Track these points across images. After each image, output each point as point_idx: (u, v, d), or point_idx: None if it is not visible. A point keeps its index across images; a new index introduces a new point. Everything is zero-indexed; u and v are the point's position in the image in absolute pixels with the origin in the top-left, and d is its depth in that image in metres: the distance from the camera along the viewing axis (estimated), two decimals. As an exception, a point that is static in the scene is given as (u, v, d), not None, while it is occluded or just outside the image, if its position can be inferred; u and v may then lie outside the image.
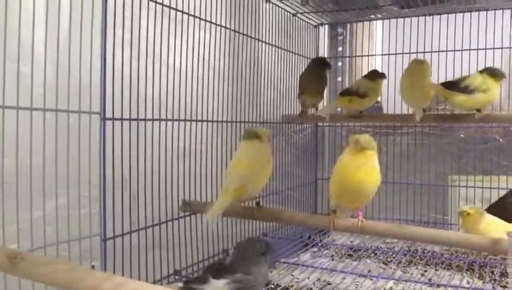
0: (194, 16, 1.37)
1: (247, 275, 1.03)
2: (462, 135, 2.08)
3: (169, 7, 1.28)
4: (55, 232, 1.03)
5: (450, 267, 1.62)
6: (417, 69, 1.61)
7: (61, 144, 1.03)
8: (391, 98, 1.87)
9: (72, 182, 1.05)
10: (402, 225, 1.46)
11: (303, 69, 1.90)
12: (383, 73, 1.74)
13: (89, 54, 1.06)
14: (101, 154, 1.09)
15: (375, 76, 1.73)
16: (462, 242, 1.16)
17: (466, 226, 1.51)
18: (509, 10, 1.84)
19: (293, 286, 1.43)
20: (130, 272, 1.18)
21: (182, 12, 1.32)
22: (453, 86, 1.52)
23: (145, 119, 1.23)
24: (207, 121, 1.45)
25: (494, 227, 1.45)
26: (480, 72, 1.55)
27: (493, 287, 1.41)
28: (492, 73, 1.53)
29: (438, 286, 1.41)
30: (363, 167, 1.15)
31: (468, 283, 1.47)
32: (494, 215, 1.55)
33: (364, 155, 1.16)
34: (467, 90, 1.49)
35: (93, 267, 1.09)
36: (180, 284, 1.01)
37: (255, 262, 1.07)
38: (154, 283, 1.27)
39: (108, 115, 1.11)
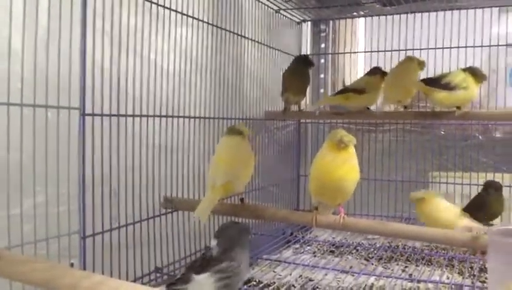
0: (176, 11, 1.36)
1: (231, 262, 1.01)
2: (442, 132, 2.10)
3: (151, 1, 1.26)
4: (33, 230, 1.01)
5: (430, 263, 1.64)
6: (408, 66, 1.63)
7: (39, 140, 1.01)
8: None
9: (50, 179, 1.03)
10: (383, 221, 1.48)
11: (286, 66, 1.90)
12: (384, 71, 1.74)
13: (68, 47, 1.04)
14: (81, 150, 1.07)
15: (374, 72, 1.73)
16: (442, 238, 1.17)
17: (420, 211, 1.53)
18: (490, 9, 1.87)
19: (275, 282, 1.43)
20: (110, 270, 1.17)
21: (164, 7, 1.31)
22: (434, 82, 1.53)
23: (125, 115, 1.22)
24: (189, 117, 1.44)
25: (446, 213, 1.48)
26: (463, 70, 1.57)
27: (472, 283, 1.43)
28: (474, 73, 1.55)
29: (419, 281, 1.43)
30: (343, 164, 1.15)
31: (448, 278, 1.48)
32: (472, 212, 1.58)
33: (345, 152, 1.16)
34: (448, 87, 1.50)
35: (72, 265, 1.07)
36: (163, 288, 0.98)
37: (239, 247, 1.04)
38: (135, 280, 1.26)
39: (88, 110, 1.09)
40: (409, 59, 1.66)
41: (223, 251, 1.02)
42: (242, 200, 1.31)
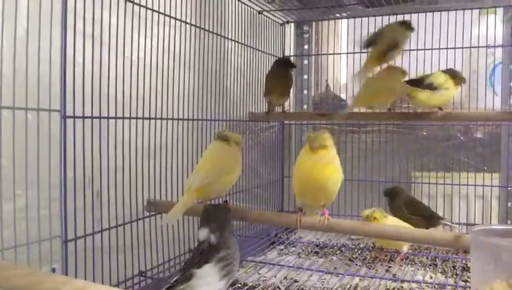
0: (159, 12, 1.34)
1: (228, 250, 1.01)
2: (424, 133, 2.12)
3: (133, 2, 1.25)
4: (13, 234, 0.99)
5: (413, 263, 1.65)
6: (392, 74, 1.64)
7: (19, 143, 0.99)
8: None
9: (30, 182, 1.01)
10: (367, 222, 1.49)
11: (269, 67, 1.90)
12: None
13: (48, 48, 1.02)
14: (62, 153, 1.05)
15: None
16: (425, 238, 1.18)
17: None
18: (470, 11, 1.89)
19: (260, 284, 1.42)
20: (92, 274, 1.15)
21: (146, 7, 1.30)
22: (417, 83, 1.54)
23: (107, 117, 1.20)
24: (172, 119, 1.43)
25: None
26: (443, 71, 1.58)
27: (455, 282, 1.45)
28: (454, 75, 1.57)
29: (402, 281, 1.43)
30: (323, 165, 1.16)
31: (431, 278, 1.50)
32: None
33: (325, 153, 1.16)
34: (431, 87, 1.52)
35: (53, 270, 1.06)
36: None
37: (228, 231, 1.05)
38: (118, 284, 1.24)
39: (69, 113, 1.07)
40: (394, 68, 1.66)
41: (217, 240, 1.01)
42: (226, 202, 1.31)
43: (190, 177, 1.21)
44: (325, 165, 1.16)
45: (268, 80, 1.83)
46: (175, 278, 0.97)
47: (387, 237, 1.32)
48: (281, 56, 2.17)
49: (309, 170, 1.17)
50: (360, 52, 2.01)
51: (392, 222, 1.55)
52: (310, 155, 1.17)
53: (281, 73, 1.80)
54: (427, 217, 1.74)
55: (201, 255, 1.00)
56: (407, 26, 1.62)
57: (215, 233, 1.02)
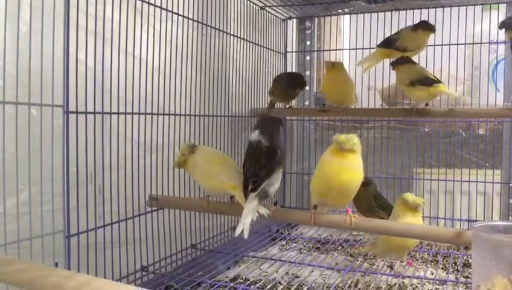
0: (161, 8, 1.34)
1: (281, 154, 1.18)
2: (426, 129, 2.12)
3: (135, -2, 1.25)
4: (16, 229, 1.00)
5: (414, 259, 1.65)
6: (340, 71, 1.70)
7: (22, 138, 0.99)
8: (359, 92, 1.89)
9: (33, 177, 1.02)
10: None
11: (271, 63, 1.90)
12: (433, 25, 1.67)
13: (50, 44, 1.02)
14: (65, 148, 1.06)
15: (418, 27, 1.66)
16: (427, 234, 1.18)
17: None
18: (473, 7, 1.89)
19: (261, 279, 1.43)
20: (95, 269, 1.16)
21: (148, 3, 1.30)
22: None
23: (110, 113, 1.20)
24: (174, 114, 1.43)
25: None
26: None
27: (456, 278, 1.45)
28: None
29: (403, 277, 1.44)
30: (349, 169, 1.13)
31: (432, 274, 1.50)
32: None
33: (351, 156, 1.14)
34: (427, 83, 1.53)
35: (56, 265, 1.06)
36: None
37: (278, 138, 1.21)
38: (120, 279, 1.25)
39: (72, 108, 1.07)
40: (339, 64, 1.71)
41: (268, 143, 1.18)
42: (232, 198, 1.31)
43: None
44: (353, 170, 1.14)
45: (275, 85, 1.83)
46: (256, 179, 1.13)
47: (412, 236, 1.28)
48: (284, 52, 2.18)
49: (337, 172, 1.13)
50: (363, 48, 2.01)
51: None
52: (339, 158, 1.14)
53: (289, 89, 1.80)
54: (388, 213, 1.72)
55: (266, 157, 1.15)
56: (427, 28, 1.63)
57: (264, 136, 1.18)
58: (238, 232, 1.09)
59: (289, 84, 1.81)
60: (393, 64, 1.66)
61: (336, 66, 1.70)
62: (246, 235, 1.09)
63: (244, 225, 1.10)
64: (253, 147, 1.19)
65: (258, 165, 1.16)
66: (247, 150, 1.22)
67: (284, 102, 1.85)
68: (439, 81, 1.54)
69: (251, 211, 1.13)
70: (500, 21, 1.53)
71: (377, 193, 1.73)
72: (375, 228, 1.23)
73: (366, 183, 1.76)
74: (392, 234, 1.25)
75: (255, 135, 1.21)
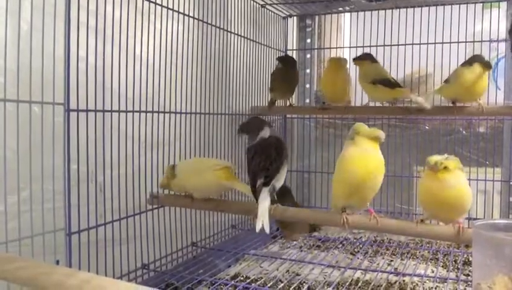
0: (162, 6, 1.34)
1: (286, 150, 1.20)
2: (427, 127, 2.12)
3: (136, -4, 1.25)
4: (17, 227, 1.00)
5: (415, 257, 1.66)
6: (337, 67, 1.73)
7: (23, 136, 0.99)
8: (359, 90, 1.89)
9: (34, 175, 1.02)
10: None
11: (272, 60, 1.90)
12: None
13: (51, 42, 1.02)
14: (66, 146, 1.06)
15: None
16: (427, 232, 1.17)
17: None
18: (473, 5, 1.88)
19: (262, 277, 1.43)
20: (96, 266, 1.16)
21: (149, 1, 1.30)
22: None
23: (111, 111, 1.20)
24: (175, 112, 1.43)
25: None
26: None
27: (456, 276, 1.45)
28: None
29: (404, 275, 1.44)
30: (371, 162, 1.13)
31: (433, 271, 1.50)
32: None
33: (374, 150, 1.14)
34: None
35: (57, 262, 1.06)
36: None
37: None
38: (121, 277, 1.25)
39: (73, 106, 1.07)
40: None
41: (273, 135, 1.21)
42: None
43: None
44: (375, 164, 1.13)
45: (274, 79, 1.83)
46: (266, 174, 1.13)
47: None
48: (284, 50, 2.17)
49: (363, 166, 1.12)
50: (363, 46, 2.01)
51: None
52: (359, 150, 1.13)
53: (288, 72, 1.79)
54: None
55: (276, 151, 1.16)
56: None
57: (270, 128, 1.22)
58: (258, 228, 1.07)
59: (286, 66, 1.80)
60: (355, 60, 1.70)
61: (341, 63, 1.72)
62: (267, 230, 1.08)
63: (263, 220, 1.08)
64: (264, 143, 1.19)
65: (269, 160, 1.15)
66: (255, 146, 1.19)
67: (285, 97, 1.84)
68: (399, 85, 1.59)
69: (267, 205, 1.11)
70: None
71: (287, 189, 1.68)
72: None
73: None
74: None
75: (266, 132, 1.21)
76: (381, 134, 1.16)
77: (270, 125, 1.25)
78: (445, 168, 1.11)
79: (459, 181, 1.12)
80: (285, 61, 1.83)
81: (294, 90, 1.88)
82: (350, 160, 1.14)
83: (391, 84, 1.58)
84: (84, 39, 1.09)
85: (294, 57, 2.13)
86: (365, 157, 1.13)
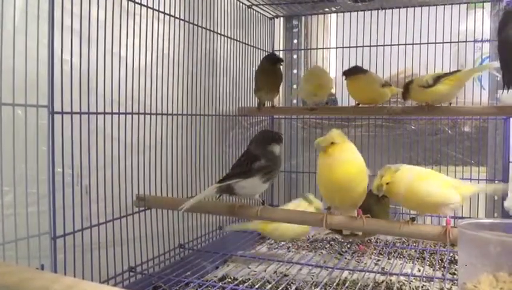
0: (147, 7, 1.33)
1: (269, 161, 1.23)
2: (412, 127, 2.14)
3: (121, -3, 1.24)
4: (1, 231, 0.98)
5: (402, 256, 1.67)
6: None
7: (7, 138, 0.98)
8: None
9: (18, 179, 1.00)
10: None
11: (259, 62, 1.89)
12: None
13: (35, 43, 1.01)
14: (50, 149, 1.05)
15: None
16: (413, 232, 1.18)
17: None
18: (458, 5, 1.90)
19: (250, 279, 1.43)
20: (82, 270, 1.15)
21: (134, 2, 1.29)
22: None
23: (96, 113, 1.19)
24: (161, 114, 1.42)
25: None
26: None
27: (443, 275, 1.46)
28: None
29: (391, 274, 1.45)
30: (337, 165, 1.13)
31: (419, 270, 1.51)
32: None
33: (336, 151, 1.13)
34: None
35: (42, 267, 1.05)
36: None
37: (271, 149, 1.27)
38: (107, 280, 1.24)
39: (57, 108, 1.06)
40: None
41: (257, 151, 1.24)
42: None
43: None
44: (340, 163, 1.12)
45: (258, 77, 1.83)
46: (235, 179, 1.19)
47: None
48: (271, 50, 2.17)
49: (327, 173, 1.13)
50: (349, 47, 2.02)
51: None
52: (325, 158, 1.14)
53: (270, 69, 1.79)
54: None
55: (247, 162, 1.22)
56: None
57: (252, 145, 1.28)
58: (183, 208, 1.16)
59: (267, 64, 1.79)
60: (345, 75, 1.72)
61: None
62: (183, 209, 1.17)
63: (187, 203, 1.17)
64: (252, 152, 1.26)
65: (239, 167, 1.23)
66: (247, 152, 1.29)
67: (271, 93, 1.82)
68: None
69: (202, 195, 1.20)
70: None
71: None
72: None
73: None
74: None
75: (277, 149, 1.29)
76: (316, 143, 1.17)
77: (279, 142, 1.31)
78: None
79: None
80: (267, 59, 1.83)
81: (280, 86, 1.87)
82: (318, 170, 1.18)
83: None
84: (68, 41, 1.08)
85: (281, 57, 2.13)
86: (326, 163, 1.14)
